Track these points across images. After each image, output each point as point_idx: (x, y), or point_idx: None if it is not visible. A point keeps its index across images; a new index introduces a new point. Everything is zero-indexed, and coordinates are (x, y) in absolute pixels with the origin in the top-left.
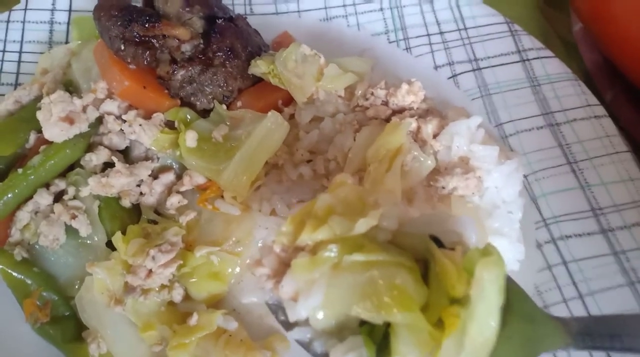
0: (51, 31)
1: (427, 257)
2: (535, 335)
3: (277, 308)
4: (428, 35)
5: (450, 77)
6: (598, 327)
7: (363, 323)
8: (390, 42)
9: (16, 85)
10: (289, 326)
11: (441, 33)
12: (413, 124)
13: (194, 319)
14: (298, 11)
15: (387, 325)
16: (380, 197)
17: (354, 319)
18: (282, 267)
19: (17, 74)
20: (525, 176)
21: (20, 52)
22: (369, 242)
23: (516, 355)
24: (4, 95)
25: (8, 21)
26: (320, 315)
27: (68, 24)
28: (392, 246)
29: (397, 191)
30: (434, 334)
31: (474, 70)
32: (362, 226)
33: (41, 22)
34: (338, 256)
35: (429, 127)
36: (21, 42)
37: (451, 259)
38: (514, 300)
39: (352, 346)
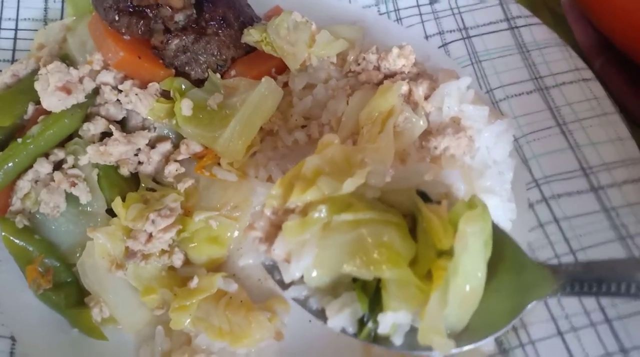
0: (46, 9)
1: (415, 212)
2: (525, 285)
3: (272, 268)
4: (418, 6)
5: (441, 46)
6: (587, 273)
7: (356, 279)
8: (380, 14)
9: (13, 61)
10: (284, 285)
11: (431, 3)
12: (404, 86)
13: (194, 282)
14: None
15: (379, 280)
16: (367, 155)
17: (347, 276)
18: (274, 230)
19: (14, 50)
20: (516, 139)
21: (15, 30)
22: (358, 200)
23: (506, 305)
24: (1, 70)
25: None
26: (314, 273)
27: (62, 1)
28: (380, 203)
29: (390, 152)
30: (422, 287)
31: (463, 38)
32: (350, 185)
33: None
34: (327, 216)
35: (420, 90)
36: (16, 19)
37: (437, 214)
38: (505, 252)
39: (347, 301)
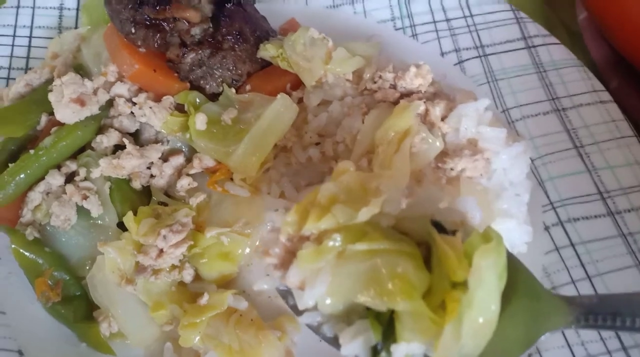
0: (60, 16)
1: (429, 241)
2: (539, 314)
3: (286, 293)
4: (434, 22)
5: (457, 64)
6: (603, 306)
7: (369, 307)
8: (396, 29)
9: (26, 69)
10: (298, 311)
11: (447, 20)
12: (421, 106)
13: (204, 299)
14: None
15: (392, 310)
16: (382, 182)
17: (361, 304)
18: (289, 256)
19: (27, 58)
20: (532, 160)
21: (30, 37)
22: (372, 229)
23: (520, 333)
24: (14, 79)
25: (18, 6)
26: (327, 301)
27: (77, 9)
28: (395, 231)
29: (406, 173)
30: (435, 320)
31: (480, 56)
32: (365, 214)
33: (51, 7)
34: (342, 245)
35: (437, 110)
36: (31, 27)
37: (451, 245)
38: (519, 279)
39: (360, 329)
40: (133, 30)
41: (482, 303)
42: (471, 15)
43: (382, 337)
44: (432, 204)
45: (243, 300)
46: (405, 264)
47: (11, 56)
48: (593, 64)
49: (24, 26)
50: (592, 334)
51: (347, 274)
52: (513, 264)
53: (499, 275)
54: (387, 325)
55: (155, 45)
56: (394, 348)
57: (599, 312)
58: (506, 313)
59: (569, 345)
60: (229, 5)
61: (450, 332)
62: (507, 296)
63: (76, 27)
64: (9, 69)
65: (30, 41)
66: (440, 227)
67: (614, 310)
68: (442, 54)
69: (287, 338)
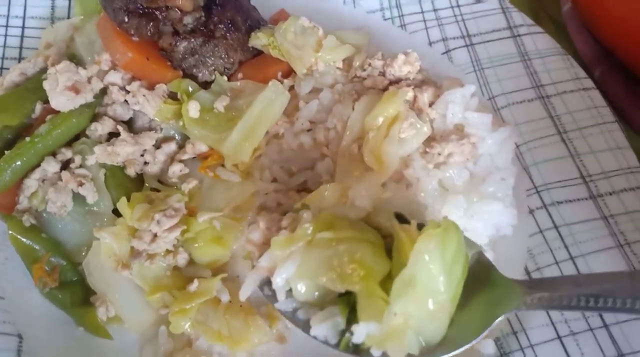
0: (53, 7)
1: (392, 232)
2: (495, 297)
3: (262, 283)
4: (422, 12)
5: (444, 53)
6: (552, 288)
7: (342, 294)
8: (385, 19)
9: (20, 59)
10: (274, 299)
11: (435, 10)
12: (410, 92)
13: (194, 286)
14: None
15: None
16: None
17: (333, 292)
18: (266, 247)
19: (21, 48)
20: (517, 146)
21: (23, 28)
22: (340, 220)
23: (477, 317)
24: (8, 69)
25: None
26: (299, 286)
27: (69, 0)
28: (364, 223)
29: (395, 157)
30: (387, 300)
31: (467, 45)
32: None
33: None
34: (312, 234)
35: (425, 96)
36: (24, 17)
37: (407, 233)
38: (480, 269)
39: (330, 313)
40: (126, 19)
41: (427, 284)
42: (458, 6)
43: (347, 319)
44: (400, 200)
45: (226, 292)
46: (364, 251)
47: (4, 46)
48: (578, 54)
49: (17, 17)
50: (575, 312)
51: (314, 259)
52: (478, 255)
53: (447, 259)
54: (351, 309)
55: (148, 34)
56: (354, 328)
57: (546, 293)
58: (468, 301)
59: (552, 323)
60: None
61: (391, 310)
62: (470, 285)
63: (68, 17)
64: (3, 58)
65: (23, 31)
66: (402, 219)
67: (560, 292)
68: (430, 43)
69: (279, 323)
